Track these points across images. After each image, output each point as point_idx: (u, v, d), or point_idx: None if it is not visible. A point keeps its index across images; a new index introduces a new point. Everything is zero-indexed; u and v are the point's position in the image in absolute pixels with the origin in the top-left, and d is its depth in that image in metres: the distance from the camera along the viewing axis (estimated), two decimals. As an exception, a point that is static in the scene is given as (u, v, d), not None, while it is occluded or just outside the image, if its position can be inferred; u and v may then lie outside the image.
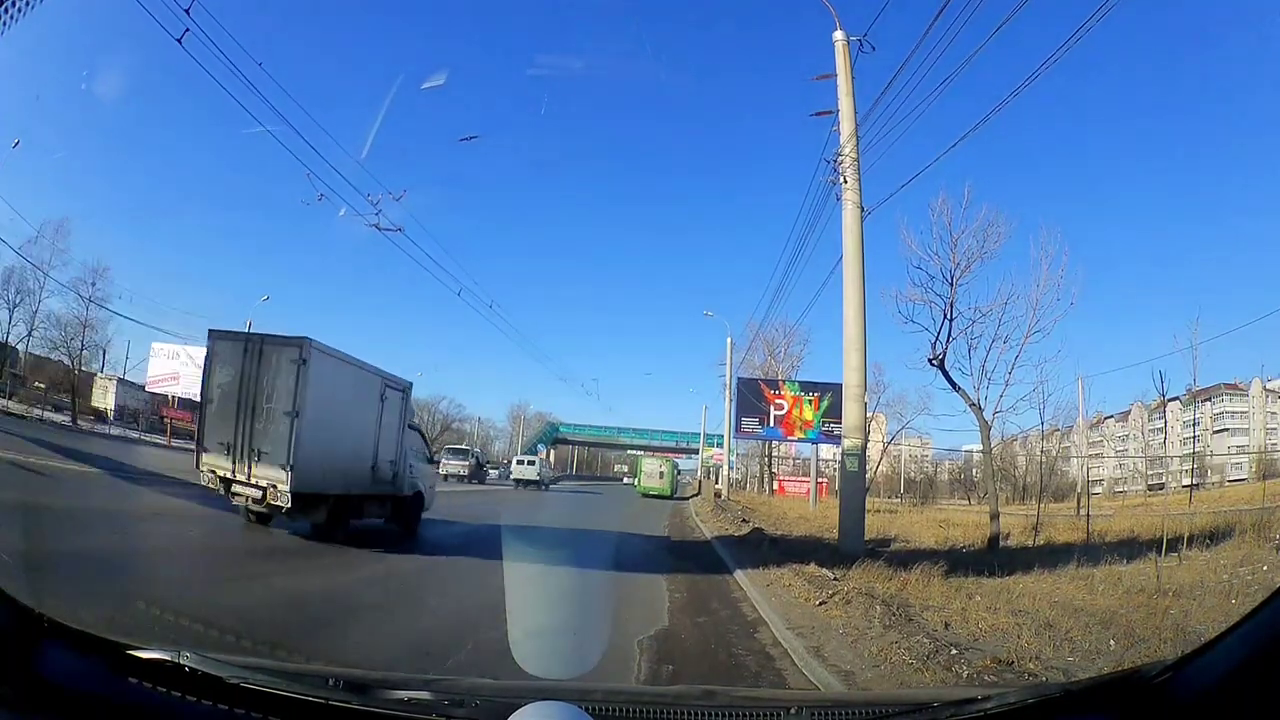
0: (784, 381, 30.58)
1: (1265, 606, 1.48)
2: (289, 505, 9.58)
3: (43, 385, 37.55)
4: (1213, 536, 10.95)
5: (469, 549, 10.65)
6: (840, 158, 12.32)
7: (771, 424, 28.59)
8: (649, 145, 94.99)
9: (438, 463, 19.87)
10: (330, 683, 1.84)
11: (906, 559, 9.88)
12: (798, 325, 34.65)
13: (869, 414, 17.23)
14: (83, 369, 37.18)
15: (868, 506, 15.09)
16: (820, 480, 35.75)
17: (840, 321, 12.42)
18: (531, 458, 44.35)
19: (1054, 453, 42.90)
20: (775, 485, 44.90)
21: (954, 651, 5.41)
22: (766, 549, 12.93)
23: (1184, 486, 38.82)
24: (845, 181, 12.29)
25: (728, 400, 34.82)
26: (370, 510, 11.69)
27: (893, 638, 5.87)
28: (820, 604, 7.60)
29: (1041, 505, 21.69)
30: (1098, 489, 41.93)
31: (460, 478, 37.10)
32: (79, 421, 32.69)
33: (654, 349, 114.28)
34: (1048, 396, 22.96)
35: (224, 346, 10.27)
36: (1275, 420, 51.16)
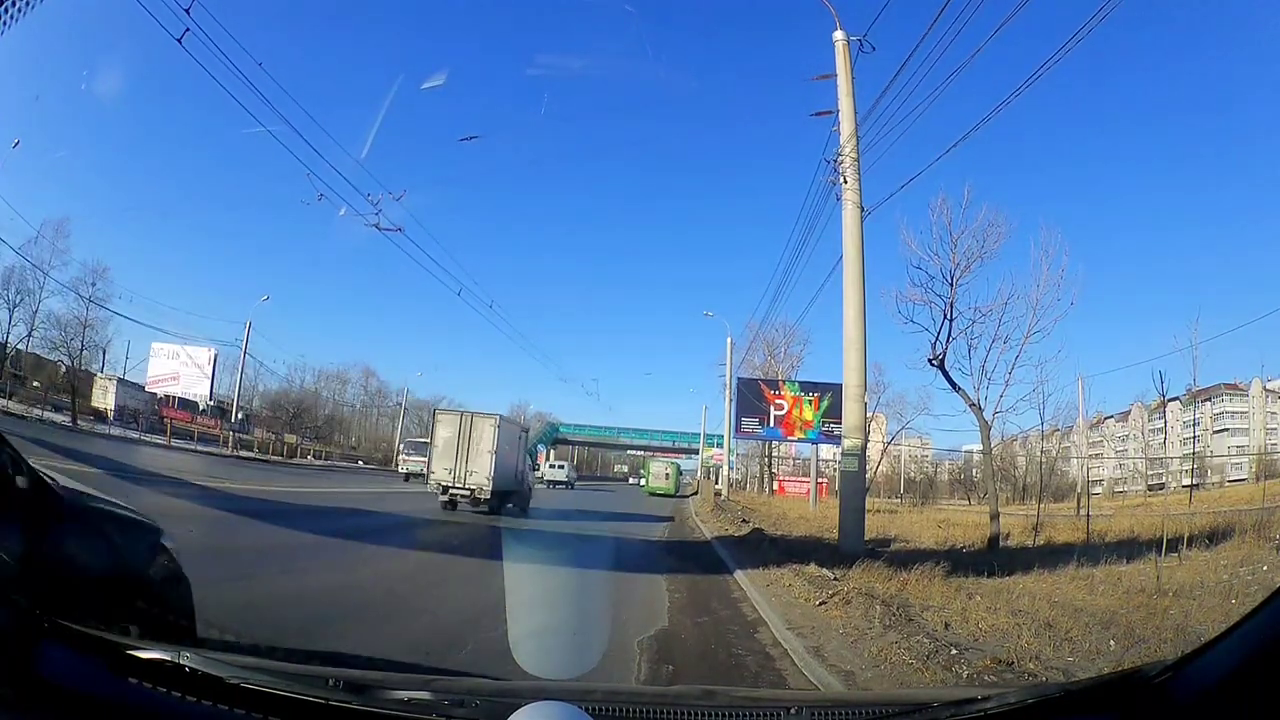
0: (784, 381, 30.50)
1: (1265, 606, 1.48)
2: (488, 498, 17.51)
3: (42, 385, 37.49)
4: (1213, 536, 10.96)
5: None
6: (840, 158, 12.34)
7: (771, 424, 28.53)
8: (649, 145, 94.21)
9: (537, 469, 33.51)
10: (330, 683, 1.85)
11: (906, 559, 9.87)
12: (798, 325, 34.70)
13: (869, 414, 17.22)
14: (83, 369, 37.10)
15: (868, 506, 15.10)
16: (820, 480, 35.71)
17: (840, 321, 12.46)
18: (561, 462, 53.98)
19: (1054, 453, 43.00)
20: (775, 485, 44.92)
21: (954, 651, 5.41)
22: (766, 549, 12.94)
23: (1184, 487, 38.80)
24: (845, 181, 12.30)
25: (728, 400, 34.88)
26: (511, 499, 19.39)
27: (893, 638, 5.87)
28: (820, 604, 7.61)
29: (1041, 505, 21.75)
30: (1098, 489, 41.90)
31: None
32: (79, 421, 32.57)
33: (654, 349, 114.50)
34: (1048, 396, 23.15)
35: (445, 416, 19.18)
36: (1275, 420, 51.00)
